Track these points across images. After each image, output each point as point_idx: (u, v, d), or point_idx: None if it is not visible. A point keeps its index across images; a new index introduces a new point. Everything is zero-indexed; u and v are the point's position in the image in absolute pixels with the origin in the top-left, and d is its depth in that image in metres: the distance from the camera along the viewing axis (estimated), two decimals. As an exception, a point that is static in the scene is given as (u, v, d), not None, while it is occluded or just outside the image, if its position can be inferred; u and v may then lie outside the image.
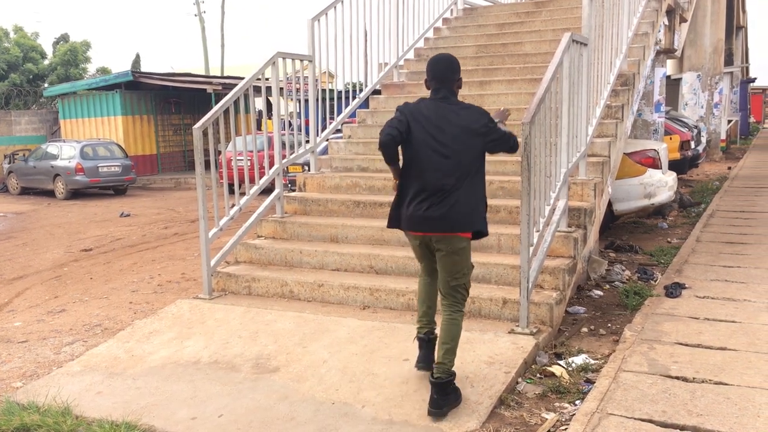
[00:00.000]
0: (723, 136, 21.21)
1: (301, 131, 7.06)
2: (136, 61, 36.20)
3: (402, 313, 5.17)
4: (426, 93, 8.18)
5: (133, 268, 8.21)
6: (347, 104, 7.68)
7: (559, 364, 4.31)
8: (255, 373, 4.33)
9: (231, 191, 6.15)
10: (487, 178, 6.30)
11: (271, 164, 6.47)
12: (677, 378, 3.92)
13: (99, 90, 22.30)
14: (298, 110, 7.49)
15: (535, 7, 9.85)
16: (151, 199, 16.97)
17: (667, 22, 9.82)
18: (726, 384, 3.81)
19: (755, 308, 5.20)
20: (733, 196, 11.58)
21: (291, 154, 6.78)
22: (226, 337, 4.93)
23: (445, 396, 3.67)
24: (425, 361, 4.06)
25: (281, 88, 6.61)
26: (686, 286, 5.82)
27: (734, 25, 25.67)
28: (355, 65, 7.69)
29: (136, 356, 4.73)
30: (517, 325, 4.70)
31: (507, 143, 3.92)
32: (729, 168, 17.28)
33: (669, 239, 8.43)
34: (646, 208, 8.65)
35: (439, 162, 3.73)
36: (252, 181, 6.22)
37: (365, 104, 8.28)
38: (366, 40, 7.86)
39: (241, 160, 9.76)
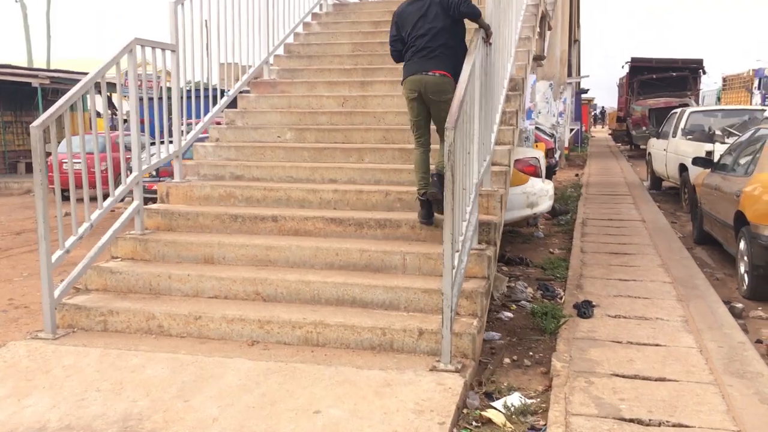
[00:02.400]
0: (566, 144, 22.13)
1: (144, 132, 5.97)
2: None
3: (300, 349, 4.37)
4: (300, 94, 7.40)
5: (-57, 294, 6.73)
6: (206, 104, 6.68)
7: (495, 408, 3.74)
8: (125, 441, 3.38)
9: (67, 199, 5.01)
10: (383, 188, 5.75)
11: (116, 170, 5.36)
12: (632, 421, 3.46)
13: None
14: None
15: (410, 6, 9.35)
16: (-35, 206, 14.74)
17: (539, 29, 9.73)
18: (686, 426, 3.41)
19: (672, 328, 4.95)
20: (595, 204, 11.80)
21: (147, 158, 5.76)
22: (80, 392, 3.89)
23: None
24: (426, 217, 5.07)
25: (138, 82, 5.57)
26: (594, 303, 5.51)
27: (572, 38, 27.02)
28: (223, 58, 6.79)
29: (-45, 425, 3.59)
30: (438, 360, 4.08)
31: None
32: (576, 175, 17.90)
33: (551, 250, 8.25)
34: (527, 218, 8.44)
35: (419, 31, 5.03)
36: (90, 187, 5.15)
37: (232, 104, 7.36)
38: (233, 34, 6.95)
39: (79, 163, 8.37)
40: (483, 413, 3.67)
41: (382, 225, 5.30)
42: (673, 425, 3.42)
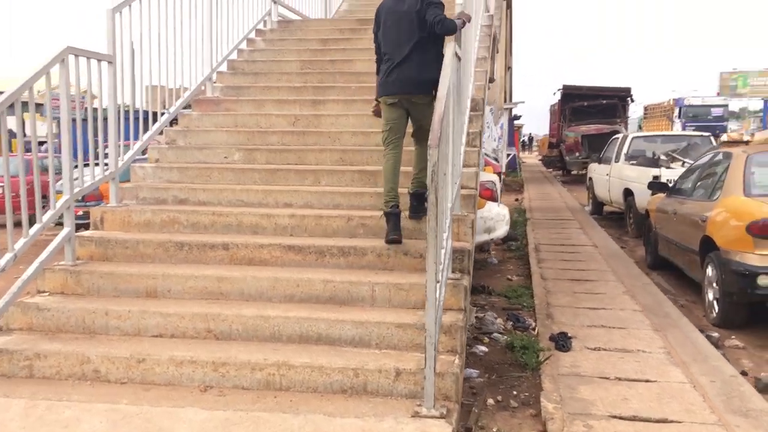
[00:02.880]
0: (503, 169, 22.17)
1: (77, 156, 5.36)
2: None
3: (261, 395, 3.86)
4: (247, 112, 6.94)
5: None
6: (145, 123, 6.11)
7: (491, 460, 3.33)
8: None
9: None
10: (343, 212, 5.30)
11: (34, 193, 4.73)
12: (646, 471, 3.12)
13: None
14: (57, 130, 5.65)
15: (358, 24, 9.04)
16: None
17: (491, 51, 9.53)
18: (705, 475, 3.08)
19: (656, 361, 4.68)
20: (543, 229, 11.63)
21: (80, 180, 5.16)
22: (1, 455, 3.29)
23: (421, 204, 4.67)
24: (395, 232, 4.66)
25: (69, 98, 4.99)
26: (570, 335, 5.19)
27: (506, 65, 27.31)
28: (163, 71, 6.25)
29: None
30: (420, 405, 3.64)
31: (438, 16, 4.56)
32: (516, 200, 17.84)
33: (508, 276, 7.96)
34: (483, 244, 8.14)
35: (395, 39, 4.75)
36: (15, 211, 4.53)
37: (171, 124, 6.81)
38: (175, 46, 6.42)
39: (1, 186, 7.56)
40: (478, 467, 3.25)
41: (345, 253, 4.85)
42: (691, 475, 3.09)
